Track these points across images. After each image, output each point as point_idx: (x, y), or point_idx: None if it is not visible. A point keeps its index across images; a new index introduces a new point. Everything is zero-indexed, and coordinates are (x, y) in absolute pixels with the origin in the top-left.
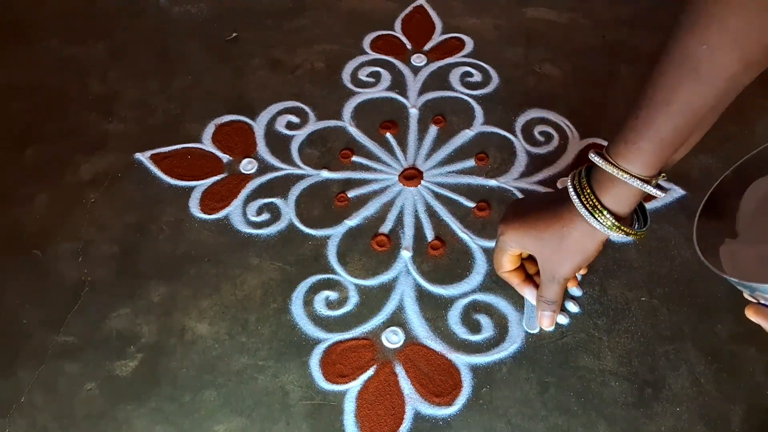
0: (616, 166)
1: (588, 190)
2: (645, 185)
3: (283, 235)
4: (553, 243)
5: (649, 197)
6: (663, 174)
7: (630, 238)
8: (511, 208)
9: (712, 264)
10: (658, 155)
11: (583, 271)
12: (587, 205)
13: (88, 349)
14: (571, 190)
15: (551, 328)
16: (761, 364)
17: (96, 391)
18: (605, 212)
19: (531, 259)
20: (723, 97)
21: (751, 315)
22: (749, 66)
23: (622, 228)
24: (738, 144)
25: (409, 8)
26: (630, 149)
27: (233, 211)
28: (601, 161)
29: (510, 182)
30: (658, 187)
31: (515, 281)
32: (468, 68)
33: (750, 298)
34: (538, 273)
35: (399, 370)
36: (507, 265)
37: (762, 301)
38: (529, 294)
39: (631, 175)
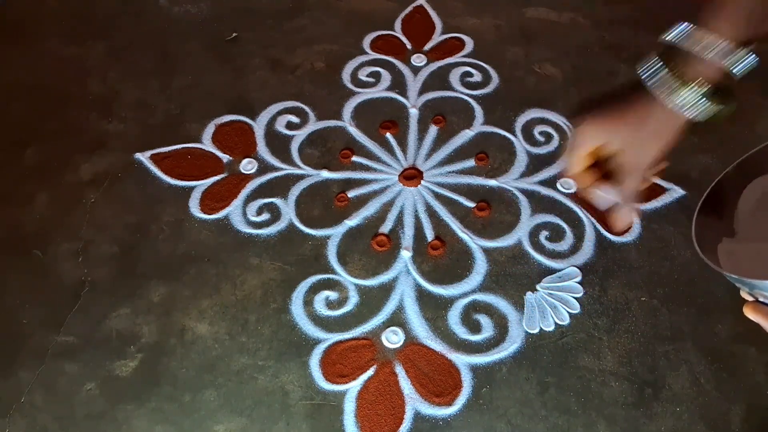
0: (701, 34)
1: (672, 64)
2: (729, 55)
3: (283, 235)
4: (633, 129)
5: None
6: (751, 46)
7: (707, 114)
8: (586, 105)
9: (711, 261)
10: (744, 22)
11: (661, 165)
12: (670, 79)
13: (88, 349)
14: (650, 68)
15: (630, 230)
16: (761, 364)
17: (96, 391)
18: (689, 84)
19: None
20: None
21: (749, 313)
22: None
23: (706, 98)
24: (738, 144)
25: (409, 8)
26: (716, 17)
27: (233, 211)
28: (685, 27)
29: (510, 182)
30: (750, 58)
31: (589, 181)
32: (468, 68)
33: (748, 297)
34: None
35: (399, 370)
36: (584, 160)
37: (761, 299)
38: (604, 192)
39: (717, 41)
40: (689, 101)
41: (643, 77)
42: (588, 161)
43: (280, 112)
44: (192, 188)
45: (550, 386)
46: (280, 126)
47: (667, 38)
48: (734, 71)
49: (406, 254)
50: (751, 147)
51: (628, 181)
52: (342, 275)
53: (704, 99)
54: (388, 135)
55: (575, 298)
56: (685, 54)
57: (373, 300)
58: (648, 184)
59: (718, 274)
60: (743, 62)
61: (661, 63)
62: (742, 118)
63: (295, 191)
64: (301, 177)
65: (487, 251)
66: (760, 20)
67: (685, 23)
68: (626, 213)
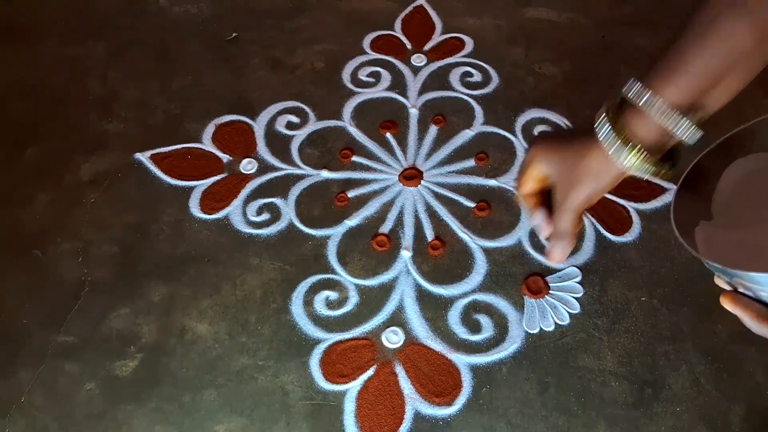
0: (643, 91)
1: (612, 114)
2: (669, 118)
3: (283, 235)
4: (569, 164)
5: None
6: (699, 116)
7: (647, 175)
8: (543, 133)
9: (690, 245)
10: (687, 86)
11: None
12: (606, 129)
13: (88, 349)
14: (598, 115)
15: (561, 264)
16: (761, 364)
17: (96, 391)
18: (623, 137)
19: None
20: (763, 40)
21: (727, 304)
22: None
23: (641, 156)
24: None
25: (409, 8)
26: (659, 76)
27: (233, 211)
28: (631, 83)
29: (510, 182)
30: (692, 130)
31: (531, 203)
32: (468, 68)
33: (724, 286)
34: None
35: (399, 370)
36: (529, 184)
37: (741, 290)
38: (538, 217)
39: (657, 102)
40: (630, 163)
41: (594, 128)
42: (536, 185)
43: (280, 112)
44: (192, 188)
45: (550, 386)
46: (280, 126)
47: (622, 94)
48: (684, 139)
49: (406, 254)
50: None
51: (558, 218)
52: (342, 275)
53: (645, 163)
54: (388, 135)
55: (575, 298)
56: (635, 111)
57: (373, 300)
58: (580, 225)
59: (697, 258)
60: (689, 133)
61: (609, 119)
62: (742, 119)
63: (295, 191)
64: (301, 177)
65: (487, 251)
66: (699, 85)
67: (636, 81)
68: (558, 246)
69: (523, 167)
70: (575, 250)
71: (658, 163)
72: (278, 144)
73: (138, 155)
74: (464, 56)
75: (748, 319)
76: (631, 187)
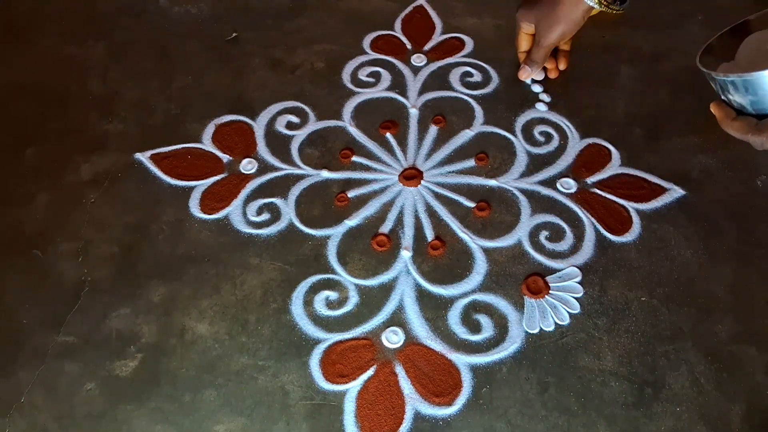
0: None
1: None
2: None
3: (283, 235)
4: (546, 11)
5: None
6: None
7: (603, 8)
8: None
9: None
10: None
11: (565, 46)
12: None
13: (88, 349)
14: None
15: (527, 80)
16: (761, 364)
17: (96, 391)
18: None
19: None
20: None
21: (713, 108)
22: None
23: (602, 1)
24: (738, 144)
25: (409, 8)
26: None
27: (233, 211)
28: None
29: (510, 182)
30: None
31: (523, 58)
32: (468, 68)
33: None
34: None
35: (399, 370)
36: (523, 44)
37: (733, 104)
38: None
39: None
40: (592, 4)
41: None
42: (528, 44)
43: (280, 112)
44: (192, 188)
45: (550, 386)
46: (280, 126)
47: None
48: None
49: (406, 254)
50: (751, 147)
51: (535, 50)
52: (342, 275)
53: (601, 5)
54: (388, 135)
55: (575, 298)
56: None
57: (373, 300)
58: (563, 62)
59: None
60: None
61: None
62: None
63: (295, 191)
64: (301, 177)
65: (487, 251)
66: None
67: None
68: (525, 70)
69: (517, 29)
70: (576, 250)
71: (611, 4)
72: (278, 144)
73: (138, 155)
74: (464, 56)
75: (722, 117)
76: (631, 187)
